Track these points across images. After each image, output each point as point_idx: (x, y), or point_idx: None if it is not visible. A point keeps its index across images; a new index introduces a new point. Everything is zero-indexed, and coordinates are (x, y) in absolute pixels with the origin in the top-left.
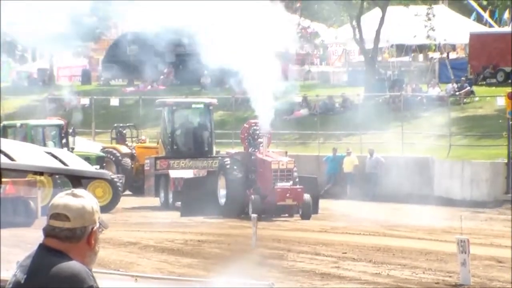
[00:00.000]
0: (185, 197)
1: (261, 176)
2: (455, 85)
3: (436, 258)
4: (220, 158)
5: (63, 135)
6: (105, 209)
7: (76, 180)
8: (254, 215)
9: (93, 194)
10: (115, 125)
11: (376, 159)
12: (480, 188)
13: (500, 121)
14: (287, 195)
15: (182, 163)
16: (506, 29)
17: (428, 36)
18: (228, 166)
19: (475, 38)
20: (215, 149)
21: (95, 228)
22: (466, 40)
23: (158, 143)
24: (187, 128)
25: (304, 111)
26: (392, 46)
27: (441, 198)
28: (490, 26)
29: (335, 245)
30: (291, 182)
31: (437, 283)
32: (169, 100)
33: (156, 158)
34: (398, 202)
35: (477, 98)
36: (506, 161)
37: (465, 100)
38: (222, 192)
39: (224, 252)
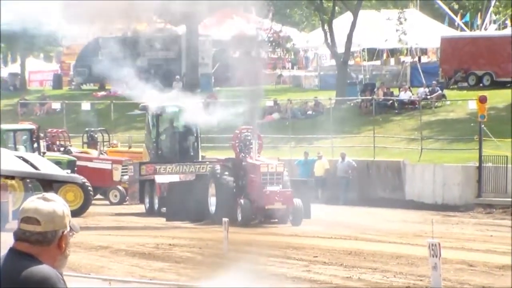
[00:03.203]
0: (171, 202)
1: (251, 181)
2: (427, 89)
3: (407, 262)
4: (209, 165)
5: (34, 139)
6: (76, 213)
7: (47, 184)
8: (225, 219)
9: (64, 198)
10: (87, 129)
11: (347, 163)
12: (451, 191)
13: (472, 124)
14: (276, 198)
15: (169, 168)
16: (477, 33)
17: (399, 40)
18: (218, 173)
19: (447, 42)
20: (200, 153)
21: (65, 232)
22: (437, 44)
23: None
24: (172, 133)
25: (275, 115)
26: (363, 50)
27: (412, 202)
28: (462, 30)
29: (306, 249)
30: (280, 186)
31: (408, 287)
32: (153, 104)
33: (141, 164)
34: (370, 206)
35: (448, 102)
36: (477, 164)
37: (436, 104)
38: (212, 200)
39: (195, 256)
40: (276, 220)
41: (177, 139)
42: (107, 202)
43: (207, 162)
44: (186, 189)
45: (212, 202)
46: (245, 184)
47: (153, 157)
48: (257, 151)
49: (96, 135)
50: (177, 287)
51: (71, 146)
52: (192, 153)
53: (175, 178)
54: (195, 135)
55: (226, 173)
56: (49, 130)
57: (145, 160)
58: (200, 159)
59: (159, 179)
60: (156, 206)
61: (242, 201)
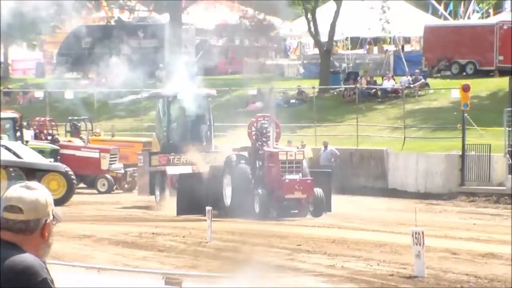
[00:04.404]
0: (182, 195)
1: (269, 170)
2: (410, 78)
3: (391, 250)
4: (224, 154)
5: (17, 128)
6: (59, 202)
7: (31, 172)
8: (208, 208)
9: (47, 187)
10: (70, 118)
11: (330, 151)
12: (434, 180)
13: (455, 113)
14: (296, 187)
15: (183, 158)
16: (461, 22)
17: (383, 29)
18: (234, 163)
19: (430, 31)
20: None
21: (48, 220)
22: (420, 33)
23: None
24: (184, 121)
25: (259, 104)
26: (347, 39)
27: (395, 190)
28: (445, 19)
29: (290, 237)
30: (300, 174)
31: (392, 275)
32: (165, 90)
33: (151, 154)
34: (353, 194)
35: (431, 91)
36: (460, 153)
37: (419, 92)
38: (228, 192)
39: (178, 245)
40: (296, 211)
41: (189, 128)
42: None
43: (220, 151)
44: (198, 180)
45: (228, 193)
46: (263, 174)
47: (164, 147)
48: (274, 139)
49: (79, 124)
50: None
51: (58, 135)
52: (205, 143)
53: (187, 169)
54: (208, 123)
55: (242, 162)
56: (37, 119)
57: (155, 150)
58: (213, 149)
59: (171, 170)
60: (167, 198)
61: (260, 191)
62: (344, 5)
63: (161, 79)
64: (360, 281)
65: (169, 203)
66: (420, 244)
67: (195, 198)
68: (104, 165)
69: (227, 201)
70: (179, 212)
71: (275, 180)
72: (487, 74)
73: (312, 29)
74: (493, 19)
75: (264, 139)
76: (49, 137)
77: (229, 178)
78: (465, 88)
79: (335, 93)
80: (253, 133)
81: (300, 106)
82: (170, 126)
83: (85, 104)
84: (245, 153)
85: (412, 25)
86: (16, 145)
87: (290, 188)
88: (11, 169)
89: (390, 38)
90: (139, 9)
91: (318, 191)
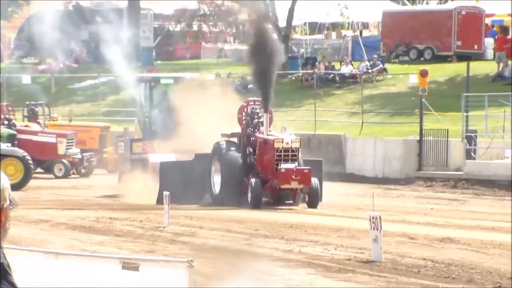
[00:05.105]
0: (164, 183)
1: (262, 158)
2: (368, 63)
3: (348, 235)
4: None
5: None
6: (17, 186)
7: None
8: (166, 192)
9: (4, 171)
10: (27, 103)
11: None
12: (392, 165)
13: (413, 98)
14: (293, 176)
15: (167, 145)
16: (419, 7)
17: (341, 14)
18: (224, 149)
19: (388, 16)
20: None
21: (5, 205)
22: (379, 18)
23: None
24: (167, 107)
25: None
26: (305, 24)
27: (353, 175)
28: (404, 4)
29: (247, 222)
30: (296, 163)
31: (349, 259)
32: (147, 75)
33: (132, 141)
34: None
35: (389, 76)
36: (418, 138)
37: (377, 77)
38: (216, 179)
39: (136, 229)
40: (291, 201)
41: (172, 114)
42: (52, 176)
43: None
44: (183, 168)
45: (216, 181)
46: (255, 162)
47: (146, 134)
48: (267, 125)
49: (36, 109)
50: (119, 260)
51: (15, 119)
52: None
53: (170, 157)
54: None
55: (233, 148)
56: None
57: (137, 137)
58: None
59: (153, 158)
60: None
61: (252, 180)
62: None
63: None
64: (318, 266)
65: (151, 191)
66: (377, 229)
67: (178, 187)
68: (61, 150)
69: (216, 189)
70: (159, 201)
71: (270, 169)
72: (445, 59)
73: (271, 14)
74: (451, 5)
75: (255, 125)
76: (6, 122)
77: (218, 165)
78: (423, 73)
79: (293, 78)
80: (244, 118)
81: (258, 91)
82: (151, 112)
83: (43, 89)
84: (235, 139)
85: (370, 10)
86: None
87: (286, 177)
88: None
89: (348, 23)
90: None
91: (314, 181)
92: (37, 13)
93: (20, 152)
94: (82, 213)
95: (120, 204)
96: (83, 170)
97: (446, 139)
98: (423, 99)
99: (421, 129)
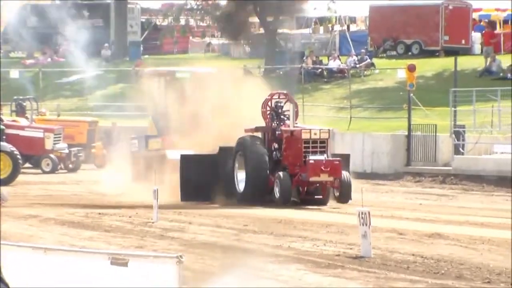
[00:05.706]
0: (187, 180)
1: (289, 152)
2: (356, 58)
3: (337, 230)
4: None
5: None
6: (5, 182)
7: None
8: (155, 187)
9: None
10: (15, 97)
11: None
12: (380, 160)
13: (401, 93)
14: (322, 168)
15: (182, 142)
16: (406, 1)
17: (328, 9)
18: (248, 144)
19: (375, 11)
20: None
21: None
22: (366, 12)
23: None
24: (182, 102)
25: None
26: (293, 18)
27: None
28: None
29: (236, 217)
30: (325, 155)
31: (338, 255)
32: (163, 69)
33: (147, 137)
34: None
35: (377, 71)
36: (406, 133)
37: (365, 72)
38: (240, 176)
39: (125, 225)
40: (320, 197)
41: (190, 109)
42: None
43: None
44: (205, 164)
45: (240, 178)
46: (280, 157)
47: (161, 130)
48: (294, 118)
49: (24, 104)
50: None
51: (2, 114)
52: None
53: (189, 153)
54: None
55: (258, 143)
56: None
57: (151, 134)
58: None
59: (171, 154)
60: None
61: (280, 174)
62: None
63: (107, 58)
64: (307, 261)
65: (172, 188)
66: (366, 224)
67: (202, 184)
68: (48, 144)
69: (240, 186)
70: (184, 198)
71: (297, 162)
72: (432, 54)
73: (258, 8)
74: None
75: (280, 118)
76: None
77: (242, 161)
78: (411, 68)
79: (281, 72)
80: (268, 112)
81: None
82: (167, 107)
83: (30, 83)
84: (260, 134)
85: (358, 4)
86: None
87: (315, 169)
88: None
89: (336, 17)
90: None
91: (345, 174)
92: (24, 7)
93: (9, 147)
94: (71, 209)
95: (110, 200)
96: (70, 165)
97: (434, 134)
98: (411, 94)
99: (409, 124)
